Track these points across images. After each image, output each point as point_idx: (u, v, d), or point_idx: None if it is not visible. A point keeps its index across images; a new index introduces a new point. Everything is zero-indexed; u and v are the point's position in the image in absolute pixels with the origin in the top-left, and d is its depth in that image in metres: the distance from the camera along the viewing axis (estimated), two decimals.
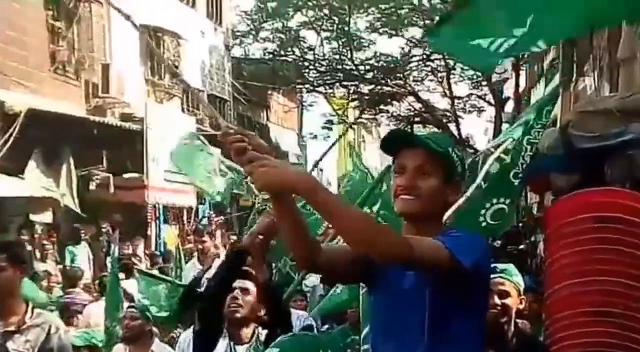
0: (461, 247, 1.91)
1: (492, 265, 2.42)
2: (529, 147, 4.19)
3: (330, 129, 27.45)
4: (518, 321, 3.39)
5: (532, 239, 11.66)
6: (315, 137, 28.23)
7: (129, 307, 5.05)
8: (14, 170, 11.23)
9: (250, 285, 3.21)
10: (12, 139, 11.02)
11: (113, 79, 14.60)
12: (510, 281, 3.18)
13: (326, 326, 5.44)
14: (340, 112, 26.15)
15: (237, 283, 3.20)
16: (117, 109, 15.26)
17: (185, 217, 16.40)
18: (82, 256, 11.46)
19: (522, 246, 11.38)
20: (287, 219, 1.92)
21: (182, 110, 18.15)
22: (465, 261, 1.89)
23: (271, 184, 1.82)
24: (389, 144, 2.09)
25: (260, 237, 3.32)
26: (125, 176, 14.08)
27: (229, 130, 1.93)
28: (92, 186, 13.39)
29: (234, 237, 11.74)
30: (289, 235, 1.95)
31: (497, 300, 3.04)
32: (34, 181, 11.61)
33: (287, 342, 2.14)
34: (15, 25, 12.35)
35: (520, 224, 13.80)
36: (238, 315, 3.17)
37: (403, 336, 2.00)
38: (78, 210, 12.50)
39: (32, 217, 12.18)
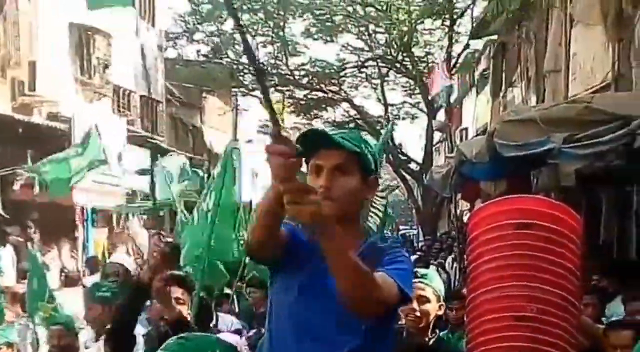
0: (405, 279, 1.97)
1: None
2: None
3: (265, 133, 27.34)
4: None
5: (461, 246, 11.90)
6: (251, 141, 28.08)
7: (53, 323, 4.85)
8: None
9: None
10: None
11: (40, 77, 14.17)
12: (430, 286, 3.18)
13: (253, 330, 5.39)
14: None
15: None
16: (44, 108, 14.80)
17: (114, 220, 16.02)
18: (6, 258, 11.07)
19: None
20: (278, 211, 1.84)
21: (112, 111, 17.75)
22: (410, 293, 1.97)
23: (310, 225, 1.76)
24: (304, 145, 2.03)
25: (162, 277, 3.13)
26: None
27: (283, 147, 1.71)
28: (16, 186, 12.94)
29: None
30: (271, 221, 1.90)
31: (416, 306, 3.04)
32: None
33: (174, 345, 2.08)
34: None
35: (452, 232, 14.06)
36: None
37: (326, 336, 1.97)
38: (1, 211, 12.06)
39: None
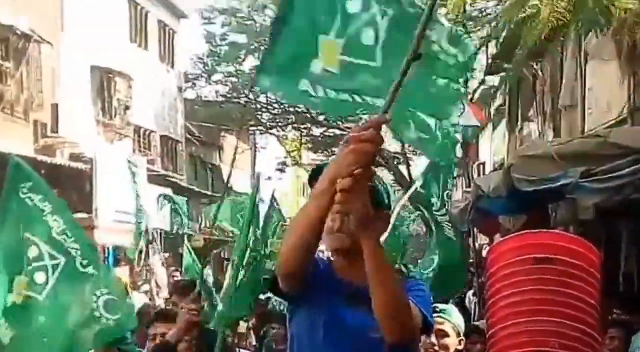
0: (427, 307, 2.00)
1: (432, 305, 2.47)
2: None
3: (283, 170, 27.51)
4: None
5: (480, 280, 11.81)
6: (269, 178, 28.25)
7: None
8: None
9: None
10: None
11: (62, 118, 14.45)
12: (449, 321, 3.21)
13: None
14: (293, 154, 26.27)
15: None
16: (66, 149, 15.05)
17: (136, 257, 16.10)
18: None
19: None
20: (321, 226, 1.88)
21: (133, 151, 18.00)
22: (432, 322, 2.02)
23: (360, 232, 1.82)
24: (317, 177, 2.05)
25: (187, 338, 3.30)
26: (74, 216, 13.83)
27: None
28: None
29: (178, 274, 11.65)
30: (311, 242, 1.89)
31: (435, 340, 3.06)
32: None
33: None
34: None
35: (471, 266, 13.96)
36: None
37: None
38: None
39: None
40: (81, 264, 3.85)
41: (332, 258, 2.10)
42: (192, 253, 9.07)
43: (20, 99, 13.87)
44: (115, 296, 3.92)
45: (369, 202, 1.82)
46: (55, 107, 14.47)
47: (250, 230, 4.86)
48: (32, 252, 3.72)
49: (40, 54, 14.35)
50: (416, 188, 5.59)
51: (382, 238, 2.04)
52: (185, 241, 10.14)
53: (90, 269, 3.90)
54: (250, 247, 4.97)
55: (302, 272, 1.93)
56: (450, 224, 4.87)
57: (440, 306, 3.24)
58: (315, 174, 2.01)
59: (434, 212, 5.09)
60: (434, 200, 5.25)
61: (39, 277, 3.68)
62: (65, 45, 15.19)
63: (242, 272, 4.75)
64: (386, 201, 2.12)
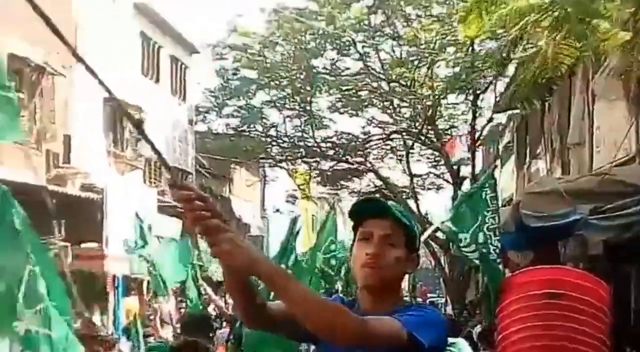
0: (420, 325, 1.93)
1: None
2: None
3: (293, 203, 27.62)
4: None
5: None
6: (278, 211, 28.33)
7: None
8: None
9: None
10: None
11: (74, 149, 14.64)
12: None
13: None
14: (302, 187, 26.38)
15: None
16: (77, 179, 15.21)
17: (145, 287, 16.15)
18: None
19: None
20: (235, 282, 1.94)
21: (144, 181, 18.15)
22: (424, 340, 1.91)
23: (234, 264, 1.78)
24: (358, 211, 2.12)
25: None
26: (84, 245, 13.92)
27: (188, 194, 1.76)
28: (50, 255, 13.17)
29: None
30: (236, 294, 1.96)
31: None
32: None
33: None
34: None
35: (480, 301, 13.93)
36: None
37: None
38: None
39: None
40: None
41: (359, 294, 2.11)
42: (198, 285, 9.10)
43: (33, 129, 14.07)
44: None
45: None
46: (67, 138, 14.66)
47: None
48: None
49: (54, 85, 14.60)
50: (438, 226, 5.56)
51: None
52: (190, 273, 10.11)
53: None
54: None
55: (254, 322, 2.03)
56: (496, 254, 4.80)
57: (452, 339, 3.27)
58: (353, 209, 2.10)
59: (462, 249, 5.06)
60: (462, 236, 5.20)
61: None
62: (78, 78, 15.45)
63: None
64: (417, 244, 2.15)
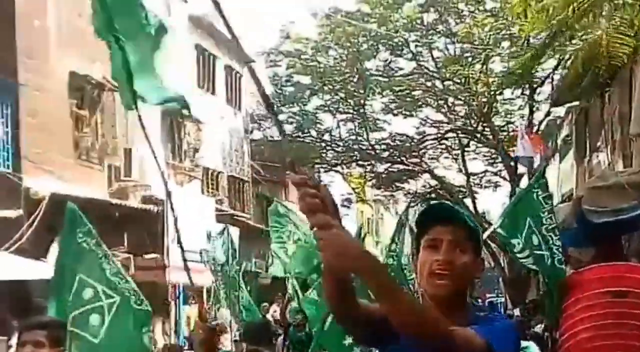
0: (495, 335, 1.92)
1: None
2: None
3: (348, 207, 27.63)
4: None
5: None
6: None
7: None
8: (38, 253, 11.43)
9: None
10: (35, 223, 11.27)
11: (135, 163, 14.98)
12: None
13: None
14: (357, 190, 26.38)
15: None
16: (138, 192, 15.56)
17: (204, 296, 16.39)
18: None
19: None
20: (335, 277, 1.90)
21: (202, 192, 18.45)
22: (503, 350, 1.91)
23: (336, 261, 1.77)
24: (425, 218, 2.08)
25: None
26: (146, 256, 14.23)
27: (304, 179, 1.78)
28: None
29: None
30: (333, 289, 1.92)
31: None
32: None
33: None
34: (40, 114, 12.81)
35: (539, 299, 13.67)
36: None
37: None
38: None
39: None
40: (135, 302, 4.05)
41: (423, 303, 2.08)
42: (249, 292, 9.20)
43: (95, 145, 14.46)
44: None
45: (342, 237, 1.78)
46: (128, 152, 15.00)
47: None
48: (87, 294, 3.84)
49: (114, 101, 14.97)
50: (494, 229, 5.45)
51: None
52: (240, 280, 10.20)
53: (144, 307, 4.09)
54: None
55: (344, 314, 1.96)
56: (560, 254, 4.69)
57: (524, 343, 3.23)
58: (422, 216, 2.08)
59: (516, 254, 4.94)
60: (515, 241, 5.08)
61: (94, 319, 3.80)
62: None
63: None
64: (482, 247, 2.13)
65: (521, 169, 21.42)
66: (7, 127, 11.00)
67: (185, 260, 3.85)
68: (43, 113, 12.88)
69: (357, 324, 2.00)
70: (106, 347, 3.90)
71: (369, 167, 24.48)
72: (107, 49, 3.57)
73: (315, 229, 1.75)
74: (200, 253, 9.95)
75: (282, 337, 9.83)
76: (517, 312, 18.64)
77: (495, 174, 25.32)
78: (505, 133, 22.49)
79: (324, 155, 23.50)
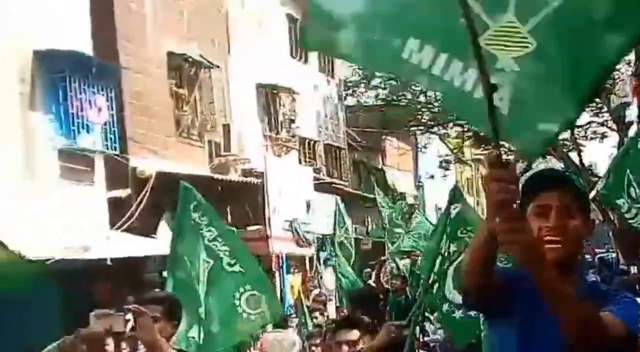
0: (632, 319, 1.91)
1: None
2: None
3: (447, 168, 27.29)
4: None
5: None
6: (432, 177, 28.14)
7: None
8: (147, 230, 12.02)
9: None
10: (144, 201, 11.85)
11: (234, 137, 15.37)
12: None
13: None
14: (456, 151, 25.99)
15: None
16: (238, 166, 16.00)
17: (307, 265, 16.78)
18: None
19: None
20: (489, 256, 1.87)
21: (299, 161, 18.74)
22: (634, 329, 1.90)
23: (526, 258, 1.74)
24: (532, 184, 2.05)
25: None
26: (249, 228, 14.67)
27: (501, 171, 1.74)
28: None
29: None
30: (481, 266, 1.89)
31: None
32: (165, 240, 12.33)
33: None
34: (143, 96, 13.36)
35: None
36: None
37: None
38: None
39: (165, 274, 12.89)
40: (228, 264, 4.34)
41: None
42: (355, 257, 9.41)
43: (195, 122, 14.93)
44: (258, 291, 4.29)
45: (530, 233, 1.77)
46: (227, 127, 15.40)
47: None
48: (193, 265, 4.44)
49: (211, 78, 15.37)
50: (598, 190, 5.27)
51: None
52: (337, 248, 10.37)
53: (236, 268, 4.34)
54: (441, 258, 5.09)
55: (482, 285, 1.92)
56: None
57: None
58: (529, 182, 2.06)
59: (624, 214, 4.76)
60: (620, 201, 4.85)
61: (199, 288, 4.37)
62: (232, 68, 16.16)
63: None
64: (590, 207, 2.09)
65: (630, 116, 20.42)
66: (112, 110, 11.52)
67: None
68: (145, 94, 13.42)
69: (489, 293, 1.96)
70: (207, 313, 4.19)
71: (467, 127, 24.02)
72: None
73: (501, 221, 1.70)
74: (294, 223, 10.27)
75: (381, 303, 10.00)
76: (633, 269, 17.95)
77: (602, 124, 24.27)
78: (611, 81, 21.43)
79: (419, 117, 23.25)
